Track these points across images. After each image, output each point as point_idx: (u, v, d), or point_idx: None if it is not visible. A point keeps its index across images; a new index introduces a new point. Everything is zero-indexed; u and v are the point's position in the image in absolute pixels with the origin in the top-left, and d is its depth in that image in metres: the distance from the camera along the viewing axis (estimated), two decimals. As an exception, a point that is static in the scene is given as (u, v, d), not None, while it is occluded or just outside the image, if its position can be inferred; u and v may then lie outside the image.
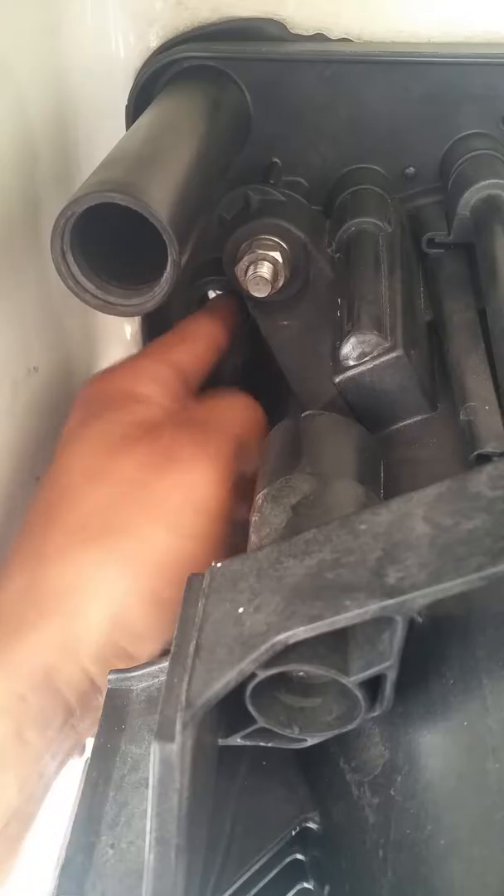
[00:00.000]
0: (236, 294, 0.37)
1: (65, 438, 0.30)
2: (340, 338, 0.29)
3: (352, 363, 0.28)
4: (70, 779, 0.26)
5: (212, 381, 0.34)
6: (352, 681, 0.18)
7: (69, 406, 0.37)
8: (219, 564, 0.19)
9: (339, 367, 0.29)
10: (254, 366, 0.37)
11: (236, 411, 0.32)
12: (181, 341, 0.34)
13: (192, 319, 0.35)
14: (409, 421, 0.29)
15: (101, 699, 0.25)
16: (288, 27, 0.34)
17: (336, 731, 0.19)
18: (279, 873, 0.20)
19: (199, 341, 0.34)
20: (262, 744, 0.19)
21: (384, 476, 0.27)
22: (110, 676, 0.21)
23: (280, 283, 0.31)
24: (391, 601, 0.16)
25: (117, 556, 0.27)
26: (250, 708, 0.18)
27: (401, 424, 0.29)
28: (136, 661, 0.25)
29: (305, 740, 0.19)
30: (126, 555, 0.27)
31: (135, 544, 0.27)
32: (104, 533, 0.27)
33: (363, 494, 0.24)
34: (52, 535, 0.28)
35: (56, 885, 0.19)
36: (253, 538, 0.23)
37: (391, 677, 0.18)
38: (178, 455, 0.29)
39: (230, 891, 0.19)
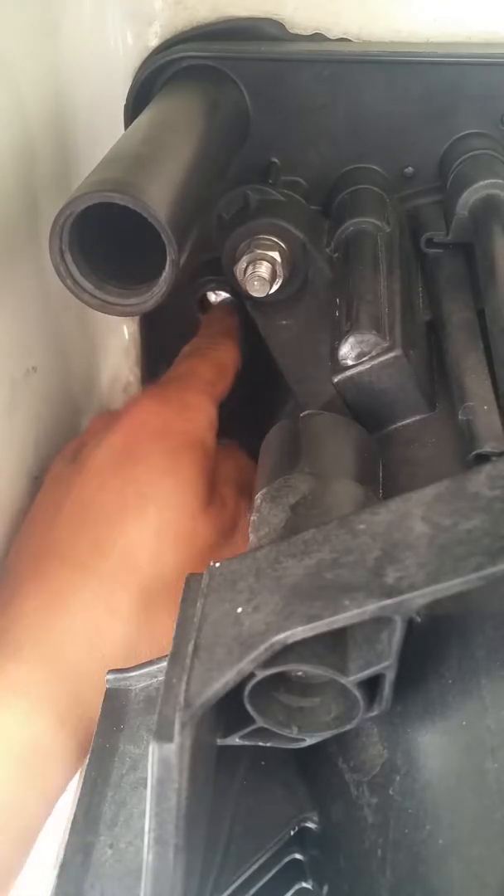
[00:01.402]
0: (235, 302, 0.37)
1: (100, 461, 0.30)
2: (339, 337, 0.29)
3: (350, 363, 0.28)
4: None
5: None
6: (350, 680, 0.18)
7: (68, 405, 0.37)
8: (217, 564, 0.19)
9: (338, 366, 0.29)
10: (253, 366, 0.37)
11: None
12: (220, 375, 0.34)
13: (222, 347, 0.35)
14: (407, 421, 0.29)
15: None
16: (287, 27, 0.34)
17: (335, 731, 0.19)
18: (278, 873, 0.20)
19: (230, 372, 0.35)
20: (260, 743, 0.19)
21: (383, 476, 0.27)
22: (109, 676, 0.21)
23: (279, 283, 0.31)
24: (390, 601, 0.16)
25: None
26: (249, 708, 0.18)
27: (399, 424, 0.29)
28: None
29: (304, 740, 0.19)
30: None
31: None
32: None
33: (362, 494, 0.24)
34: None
35: (54, 885, 0.19)
36: (252, 538, 0.23)
37: (390, 677, 0.18)
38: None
39: (229, 890, 0.19)
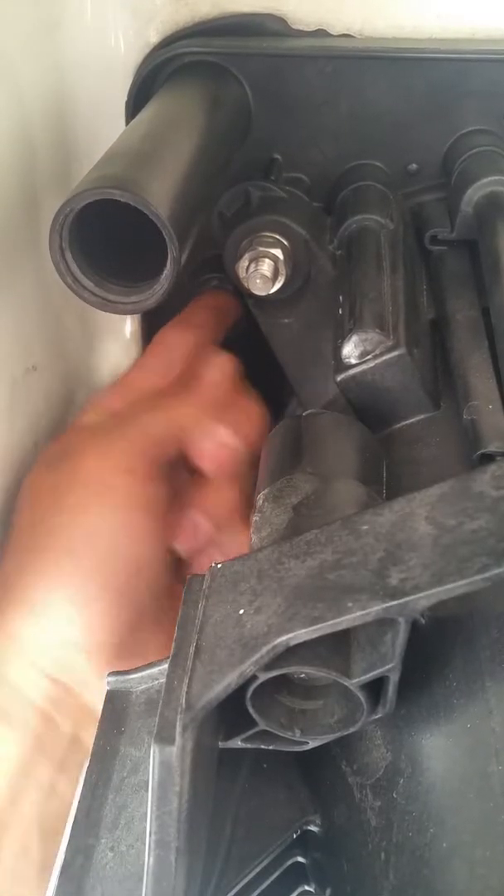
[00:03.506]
0: (231, 292, 0.37)
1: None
2: (342, 336, 0.28)
3: (353, 362, 0.28)
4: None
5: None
6: (354, 683, 0.17)
7: (69, 404, 0.37)
8: (219, 565, 0.19)
9: (341, 365, 0.28)
10: (254, 365, 0.37)
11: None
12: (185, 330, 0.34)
13: (191, 311, 0.36)
14: (411, 420, 0.29)
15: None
16: (289, 23, 0.34)
17: (338, 734, 0.19)
18: (280, 876, 0.20)
19: (197, 330, 0.34)
20: (263, 746, 0.19)
21: (386, 476, 0.26)
22: (109, 678, 0.21)
23: (281, 281, 0.30)
24: (394, 602, 0.16)
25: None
26: (251, 710, 0.18)
27: (403, 424, 0.29)
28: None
29: (307, 743, 0.19)
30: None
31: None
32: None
33: (365, 494, 0.24)
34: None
35: (55, 887, 0.19)
36: (254, 538, 0.23)
37: (393, 679, 0.18)
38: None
39: (231, 894, 0.19)
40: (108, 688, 0.21)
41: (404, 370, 0.28)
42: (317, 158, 0.35)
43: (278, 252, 0.30)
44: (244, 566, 0.19)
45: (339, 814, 0.20)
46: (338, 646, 0.18)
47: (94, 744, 0.20)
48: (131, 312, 0.25)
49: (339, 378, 0.28)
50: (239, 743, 0.19)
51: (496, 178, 0.31)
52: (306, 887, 0.21)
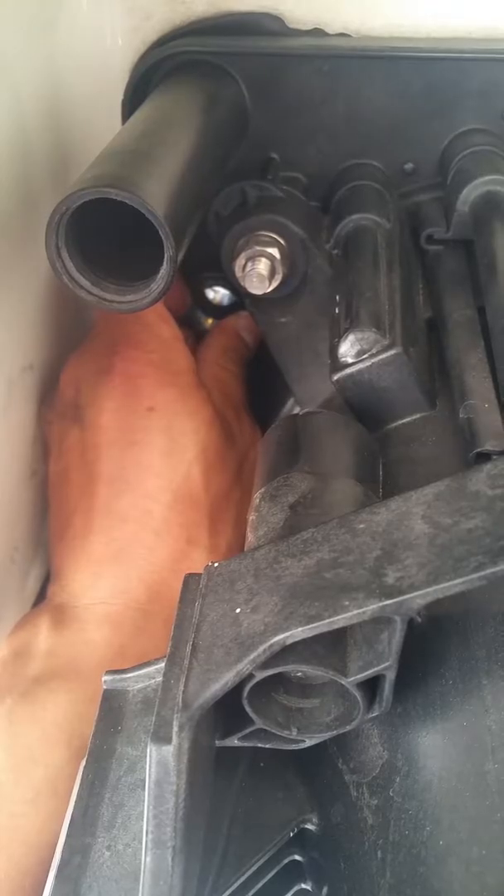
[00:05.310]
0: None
1: (108, 418, 0.31)
2: (338, 335, 0.28)
3: (350, 361, 0.28)
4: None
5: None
6: (350, 681, 0.18)
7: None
8: (216, 564, 0.19)
9: (338, 364, 0.28)
10: (252, 363, 0.37)
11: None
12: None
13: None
14: (407, 419, 0.29)
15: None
16: (286, 22, 0.34)
17: (334, 732, 0.19)
18: (277, 875, 0.20)
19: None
20: (259, 745, 0.19)
21: (383, 475, 0.26)
22: (106, 678, 0.21)
23: (277, 280, 0.30)
24: (390, 601, 0.16)
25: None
26: (248, 709, 0.18)
27: (399, 423, 0.29)
28: None
29: (304, 741, 0.19)
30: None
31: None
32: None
33: (362, 493, 0.24)
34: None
35: (52, 886, 0.19)
36: (250, 537, 0.23)
37: (390, 678, 0.18)
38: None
39: (228, 892, 0.19)
40: (104, 687, 0.21)
41: (400, 369, 0.28)
42: (313, 157, 0.35)
43: (275, 251, 0.30)
44: (241, 565, 0.19)
45: (336, 812, 0.20)
46: (334, 644, 0.18)
47: (90, 742, 0.20)
48: (128, 311, 0.25)
49: (335, 377, 0.28)
50: (236, 741, 0.19)
51: (492, 177, 0.31)
52: (303, 885, 0.21)
